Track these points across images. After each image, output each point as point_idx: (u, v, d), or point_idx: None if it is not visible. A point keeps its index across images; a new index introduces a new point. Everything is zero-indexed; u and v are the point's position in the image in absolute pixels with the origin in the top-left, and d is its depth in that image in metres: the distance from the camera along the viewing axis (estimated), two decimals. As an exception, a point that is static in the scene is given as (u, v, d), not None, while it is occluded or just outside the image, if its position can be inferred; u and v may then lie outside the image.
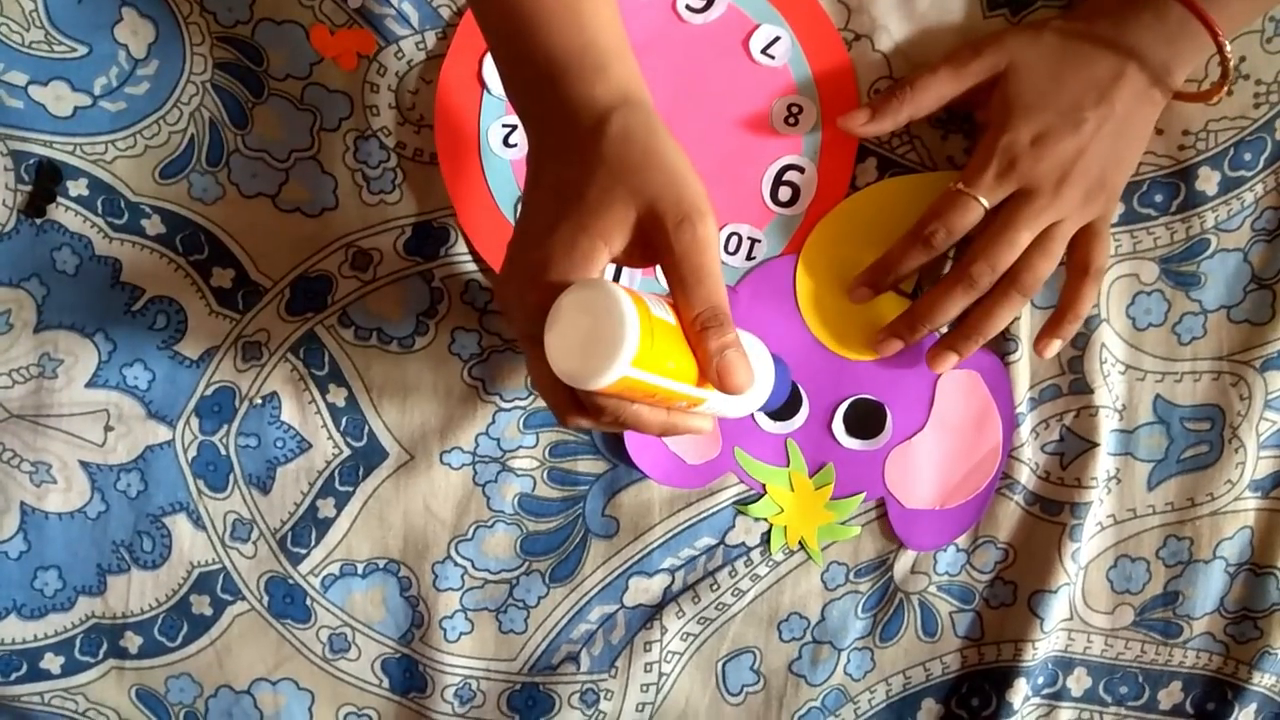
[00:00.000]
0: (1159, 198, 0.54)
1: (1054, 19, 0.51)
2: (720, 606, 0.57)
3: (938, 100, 0.51)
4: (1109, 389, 0.55)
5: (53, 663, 0.56)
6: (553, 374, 0.39)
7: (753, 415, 0.55)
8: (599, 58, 0.41)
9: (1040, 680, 0.58)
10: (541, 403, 0.55)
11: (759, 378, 0.45)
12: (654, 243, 0.40)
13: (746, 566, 0.56)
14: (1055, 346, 0.53)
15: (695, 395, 0.41)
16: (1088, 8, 0.51)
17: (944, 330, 0.54)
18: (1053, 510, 0.56)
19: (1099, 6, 0.50)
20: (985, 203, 0.50)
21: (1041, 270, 0.50)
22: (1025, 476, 0.56)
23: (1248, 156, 0.53)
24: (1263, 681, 0.57)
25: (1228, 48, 0.47)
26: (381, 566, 0.56)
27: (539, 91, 0.42)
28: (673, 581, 0.57)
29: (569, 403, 0.42)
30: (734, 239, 0.54)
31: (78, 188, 0.54)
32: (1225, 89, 0.49)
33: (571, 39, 0.41)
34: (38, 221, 0.54)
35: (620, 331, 0.37)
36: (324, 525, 0.56)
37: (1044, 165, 0.49)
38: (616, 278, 0.54)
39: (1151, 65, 0.49)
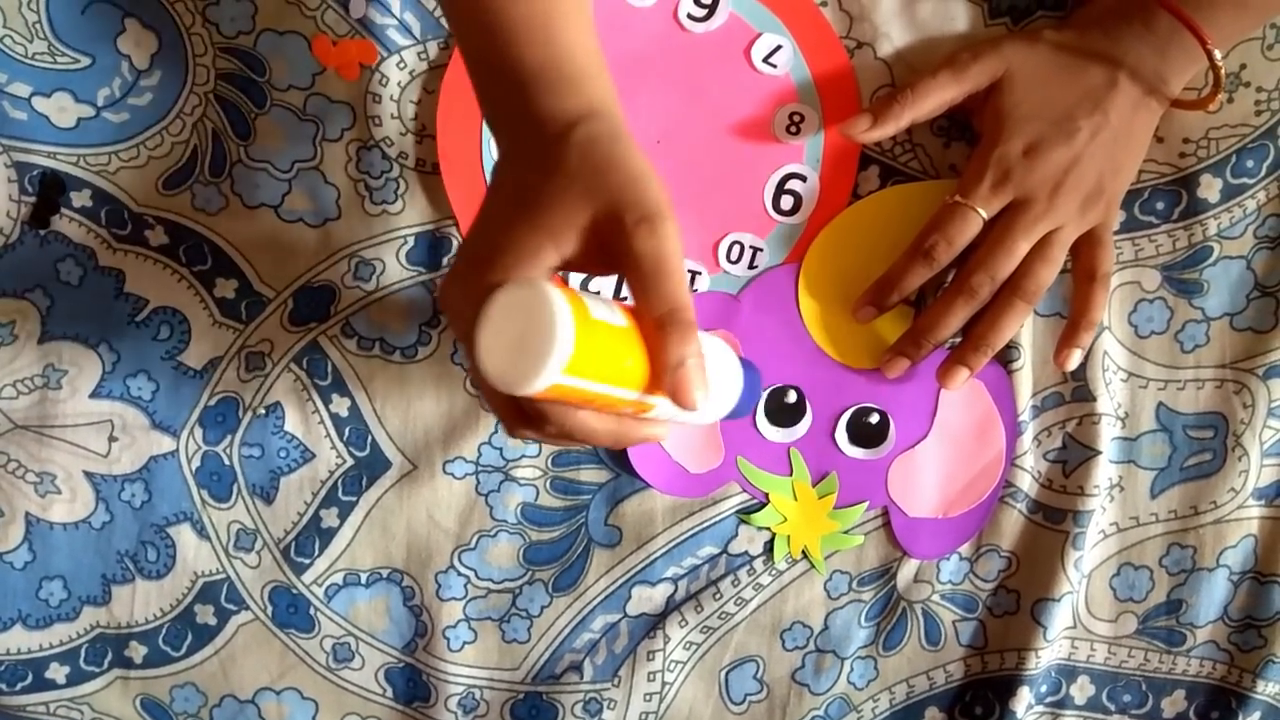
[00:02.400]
0: (1160, 205, 0.54)
1: (1047, 29, 0.51)
2: (723, 615, 0.57)
3: (938, 104, 0.51)
4: (1111, 396, 0.55)
5: (58, 673, 0.57)
6: None
7: (755, 424, 0.55)
8: (571, 72, 0.41)
9: (1044, 689, 0.58)
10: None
11: (722, 386, 0.43)
12: (613, 245, 0.38)
13: (749, 575, 0.56)
14: (1076, 357, 0.52)
15: (642, 402, 0.39)
16: (1080, 18, 0.51)
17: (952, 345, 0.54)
18: (1055, 518, 0.56)
19: (1091, 17, 0.50)
20: (983, 213, 0.50)
21: (1043, 277, 0.50)
22: (1028, 484, 0.56)
23: (1250, 164, 0.53)
24: (1267, 690, 0.57)
25: (1217, 56, 0.47)
26: (385, 576, 0.56)
27: (508, 101, 0.42)
28: (676, 590, 0.57)
29: (514, 412, 0.40)
30: (736, 248, 0.54)
31: (81, 199, 0.54)
32: (1219, 97, 0.49)
33: (543, 53, 0.41)
34: (42, 233, 0.54)
35: (551, 335, 0.34)
36: (327, 535, 0.56)
37: (1038, 175, 0.49)
38: (617, 293, 0.54)
39: (1144, 74, 0.49)
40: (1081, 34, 0.50)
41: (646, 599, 0.57)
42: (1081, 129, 0.49)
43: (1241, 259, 0.55)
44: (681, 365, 0.37)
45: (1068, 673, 0.58)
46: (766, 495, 0.56)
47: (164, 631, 0.56)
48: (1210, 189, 0.54)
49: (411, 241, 0.55)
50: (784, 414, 0.55)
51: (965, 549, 0.56)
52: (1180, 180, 0.54)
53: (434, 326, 0.55)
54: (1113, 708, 0.58)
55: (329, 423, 0.55)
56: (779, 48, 0.53)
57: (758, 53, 0.53)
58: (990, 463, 0.55)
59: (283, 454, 0.55)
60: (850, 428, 0.55)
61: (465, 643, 0.57)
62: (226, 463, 0.55)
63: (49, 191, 0.54)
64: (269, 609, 0.56)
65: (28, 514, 0.55)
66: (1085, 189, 0.50)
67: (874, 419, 0.55)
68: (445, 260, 0.54)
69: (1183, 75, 0.50)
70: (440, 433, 0.55)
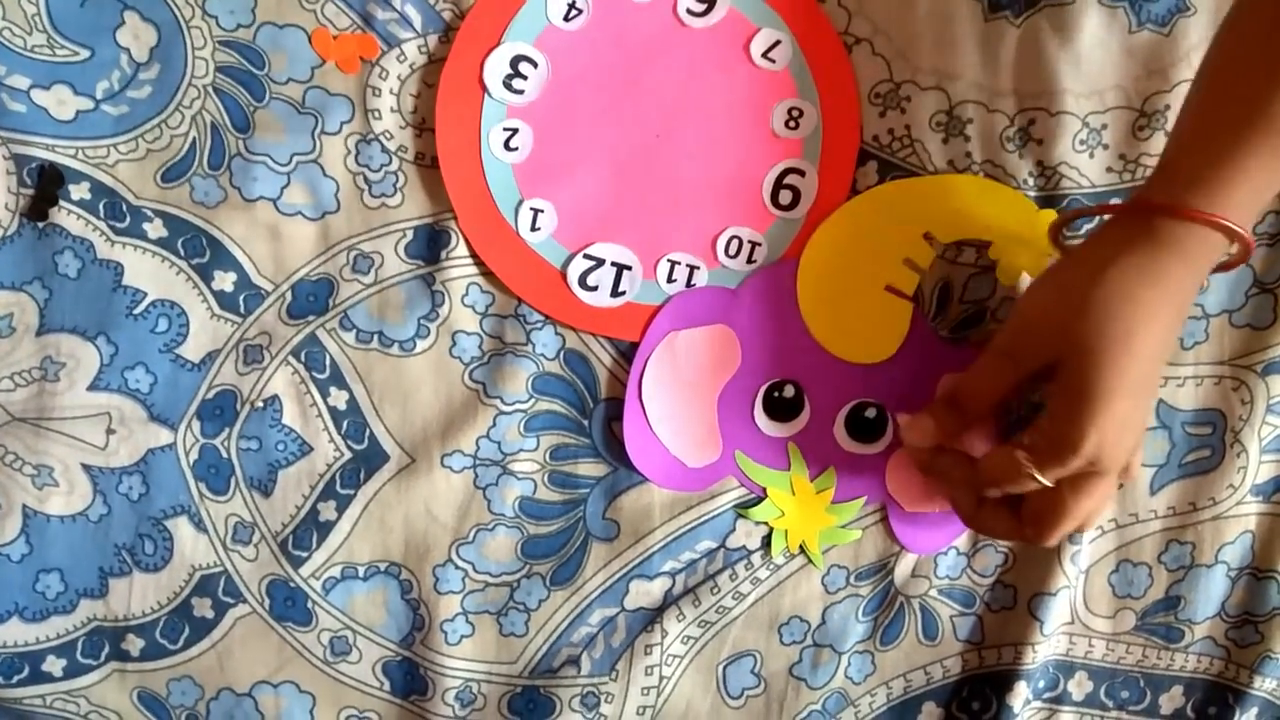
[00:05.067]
0: (1161, 201, 0.54)
1: (1080, 278, 0.45)
2: (721, 610, 0.57)
3: (993, 402, 0.49)
4: (1110, 393, 0.55)
5: (54, 665, 0.57)
6: None
7: (753, 419, 0.55)
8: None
9: (1041, 684, 0.58)
10: (542, 405, 0.55)
11: None
12: None
13: (747, 570, 0.56)
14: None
15: None
16: (1100, 259, 0.45)
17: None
18: (1054, 514, 0.56)
19: (1115, 261, 0.45)
20: (1049, 484, 0.47)
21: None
22: (1026, 480, 0.56)
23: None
24: (1264, 686, 0.57)
25: (1246, 233, 0.44)
26: (382, 569, 0.56)
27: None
28: (673, 585, 0.57)
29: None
30: (734, 242, 0.54)
31: (80, 191, 0.54)
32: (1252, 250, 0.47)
33: None
34: (40, 225, 0.54)
35: None
36: (325, 528, 0.56)
37: (1120, 451, 0.46)
38: (614, 289, 0.54)
39: (1187, 304, 0.46)
40: (1122, 289, 0.44)
41: (644, 593, 0.57)
42: (1155, 391, 0.48)
43: (1240, 255, 0.55)
44: None
45: (1066, 668, 0.58)
46: (764, 490, 0.56)
47: (161, 624, 0.56)
48: (1209, 185, 0.54)
49: (410, 235, 0.55)
50: (782, 408, 0.55)
51: (962, 544, 0.56)
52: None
53: (432, 320, 0.55)
54: (1111, 704, 0.58)
55: (327, 416, 0.55)
56: (778, 43, 0.53)
57: (756, 48, 0.53)
58: (988, 458, 0.55)
59: (280, 447, 0.55)
60: (849, 422, 0.55)
61: (463, 636, 0.57)
62: (224, 456, 0.55)
63: (47, 184, 0.54)
64: (266, 602, 0.56)
65: (25, 506, 0.55)
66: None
67: (872, 414, 0.55)
68: (444, 254, 0.54)
69: (1207, 272, 0.46)
70: (438, 426, 0.55)
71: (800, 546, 0.56)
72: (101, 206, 0.54)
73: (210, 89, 0.54)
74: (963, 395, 0.50)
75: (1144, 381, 0.45)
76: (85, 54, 0.53)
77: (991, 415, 0.51)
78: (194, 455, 0.55)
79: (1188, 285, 0.45)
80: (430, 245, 0.55)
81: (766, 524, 0.56)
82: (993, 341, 0.49)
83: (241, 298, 0.55)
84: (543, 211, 0.54)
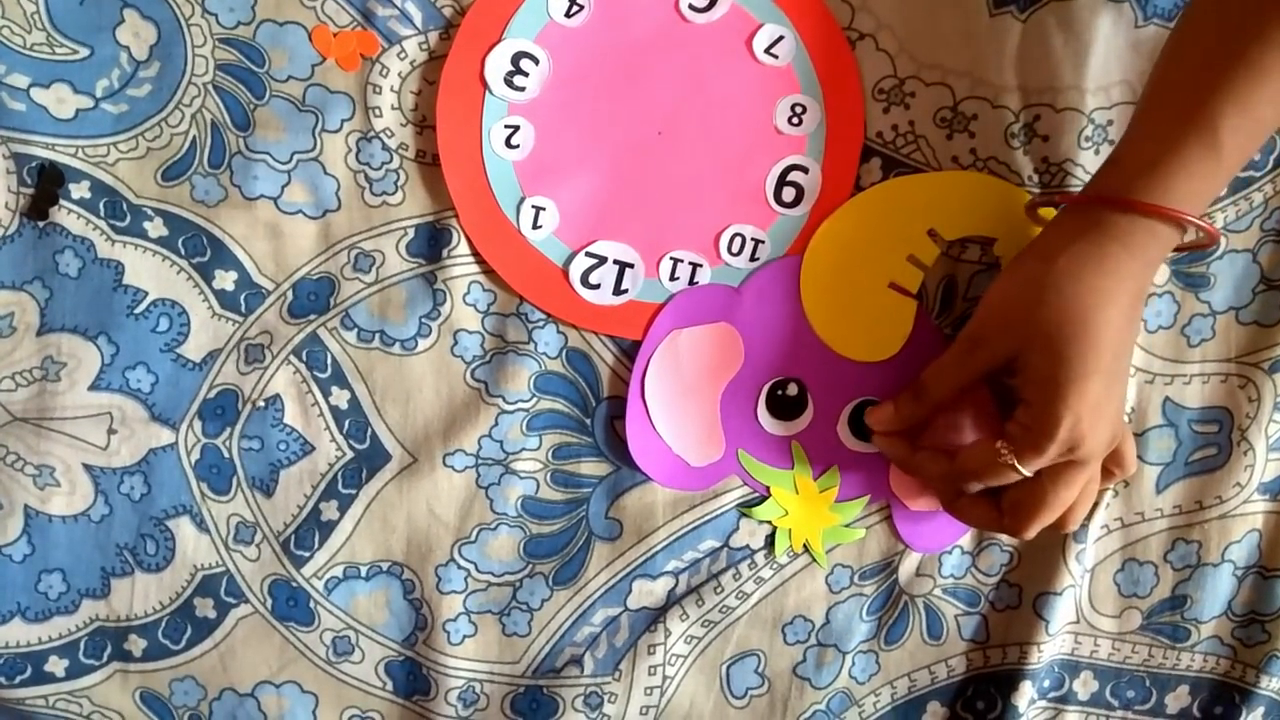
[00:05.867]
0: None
1: (1036, 268, 0.46)
2: (724, 609, 0.56)
3: (955, 390, 0.50)
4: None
5: (57, 666, 0.57)
6: None
7: (757, 417, 0.55)
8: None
9: (1046, 683, 0.57)
10: (544, 404, 0.55)
11: None
12: None
13: (750, 569, 0.56)
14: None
15: None
16: (1053, 251, 0.46)
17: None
18: (1059, 513, 0.55)
19: (1067, 250, 0.46)
20: (1028, 474, 0.47)
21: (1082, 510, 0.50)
22: (1031, 479, 0.55)
23: (1256, 157, 0.53)
24: (1270, 685, 0.57)
25: (1207, 222, 0.46)
26: (385, 569, 0.56)
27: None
28: (676, 584, 0.56)
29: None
30: (737, 240, 0.54)
31: (80, 190, 0.54)
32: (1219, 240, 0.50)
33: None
34: (40, 224, 0.54)
35: None
36: (327, 528, 0.56)
37: (1097, 439, 0.46)
38: (616, 288, 0.54)
39: (1143, 290, 0.47)
40: (1073, 275, 0.45)
41: (647, 592, 0.56)
42: (1126, 379, 0.48)
43: (1248, 252, 0.54)
44: None
45: (1071, 668, 0.58)
46: (768, 488, 0.55)
47: (163, 624, 0.56)
48: (1217, 181, 0.53)
49: (411, 233, 0.55)
50: (785, 407, 0.55)
51: (967, 542, 0.56)
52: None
53: (434, 319, 0.55)
54: (1116, 703, 0.58)
55: (328, 415, 0.55)
56: (781, 39, 0.53)
57: (759, 43, 0.53)
58: (993, 456, 0.55)
59: (282, 446, 0.55)
60: (852, 421, 0.55)
61: (465, 636, 0.56)
62: (226, 455, 0.55)
63: (47, 183, 0.54)
64: (268, 602, 0.56)
65: (27, 507, 0.55)
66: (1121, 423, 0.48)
67: (876, 412, 0.55)
68: (445, 252, 0.54)
69: (1158, 261, 0.47)
70: (440, 425, 0.55)
71: (804, 545, 0.56)
72: (102, 205, 0.54)
73: (210, 87, 0.54)
74: (925, 383, 0.50)
75: (1112, 367, 0.45)
76: (85, 52, 0.53)
77: (955, 403, 0.51)
78: (195, 455, 0.55)
79: (1138, 274, 0.46)
80: (431, 243, 0.54)
81: (770, 523, 0.56)
82: (961, 332, 0.49)
83: (242, 297, 0.55)
84: (544, 209, 0.54)
